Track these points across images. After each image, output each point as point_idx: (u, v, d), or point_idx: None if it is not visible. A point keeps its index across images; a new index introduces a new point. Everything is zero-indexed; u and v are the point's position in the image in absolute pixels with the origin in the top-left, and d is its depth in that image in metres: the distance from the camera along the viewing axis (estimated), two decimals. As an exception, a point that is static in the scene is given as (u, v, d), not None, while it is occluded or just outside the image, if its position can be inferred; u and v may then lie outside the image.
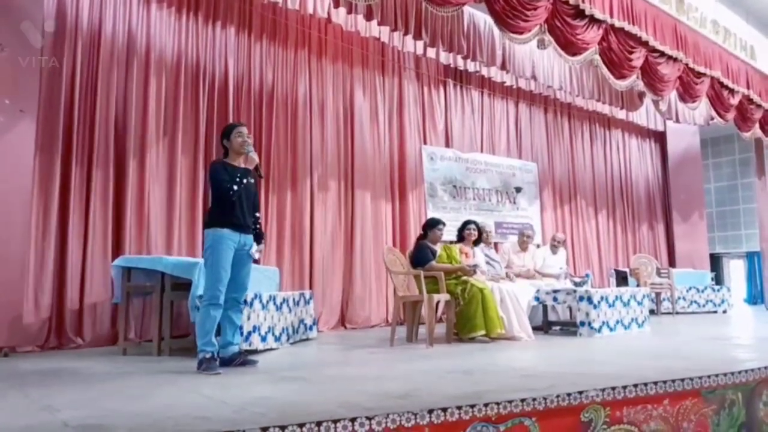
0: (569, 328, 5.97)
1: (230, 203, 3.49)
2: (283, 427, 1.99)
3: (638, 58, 6.79)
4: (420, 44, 7.14)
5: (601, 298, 5.67)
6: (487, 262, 6.20)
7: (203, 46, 6.04)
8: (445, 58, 7.77)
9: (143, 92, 5.56)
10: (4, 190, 4.38)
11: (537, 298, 5.94)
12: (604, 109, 9.69)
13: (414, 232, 7.52)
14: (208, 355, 3.34)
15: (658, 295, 9.06)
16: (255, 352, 4.22)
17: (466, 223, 5.89)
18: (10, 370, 3.55)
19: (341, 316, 6.73)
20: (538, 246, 7.70)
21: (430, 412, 2.26)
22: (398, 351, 4.46)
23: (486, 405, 2.36)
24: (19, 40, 4.58)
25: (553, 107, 9.77)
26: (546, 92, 9.08)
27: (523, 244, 6.77)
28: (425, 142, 7.95)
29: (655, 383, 2.79)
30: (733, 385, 3.07)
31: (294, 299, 5.07)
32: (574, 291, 5.68)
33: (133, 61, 5.52)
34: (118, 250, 5.18)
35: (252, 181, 3.67)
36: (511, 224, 8.84)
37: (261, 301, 4.35)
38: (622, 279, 8.58)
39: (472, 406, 2.34)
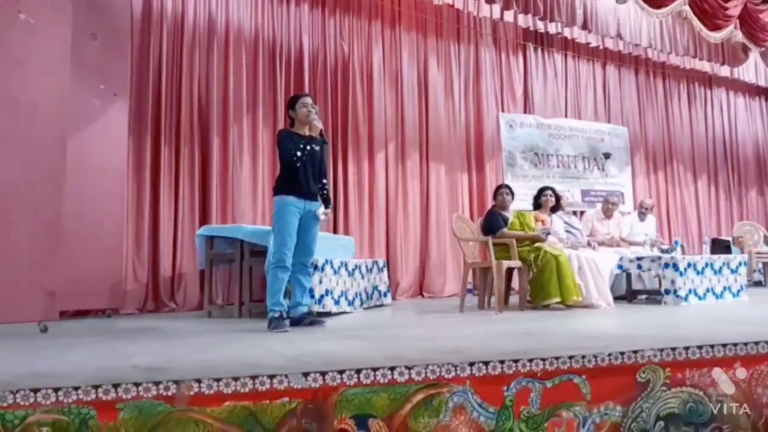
0: (655, 297, 5.69)
1: (294, 170, 3.63)
2: (323, 373, 2.10)
3: (735, 6, 6.23)
4: (496, 8, 6.95)
5: (689, 264, 5.35)
6: (567, 230, 6.01)
7: (279, 23, 6.25)
8: (523, 21, 7.51)
9: (224, 71, 5.86)
10: (101, 169, 4.81)
11: (620, 266, 5.70)
12: (704, 66, 8.98)
13: (491, 202, 7.43)
14: (276, 314, 3.54)
15: (766, 265, 8.39)
16: (328, 314, 4.40)
17: (542, 190, 5.74)
18: (106, 327, 3.94)
19: (419, 284, 6.81)
20: (629, 213, 7.34)
21: (471, 365, 2.28)
22: (466, 316, 4.48)
23: (531, 360, 2.35)
24: (110, 27, 4.97)
25: (645, 67, 9.17)
26: (636, 51, 8.55)
27: (608, 211, 6.49)
28: (503, 110, 7.77)
29: (724, 345, 2.64)
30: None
31: (367, 266, 5.21)
32: (659, 258, 5.40)
33: (213, 42, 5.82)
34: (205, 221, 5.54)
35: (317, 149, 3.79)
36: (600, 192, 8.47)
37: (332, 267, 4.52)
38: (724, 248, 8.05)
39: (516, 361, 2.33)
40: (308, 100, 3.79)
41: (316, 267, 4.31)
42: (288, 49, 6.27)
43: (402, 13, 7.05)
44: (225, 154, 5.74)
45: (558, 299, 4.82)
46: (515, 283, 5.49)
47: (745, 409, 2.66)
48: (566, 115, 8.34)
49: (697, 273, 5.45)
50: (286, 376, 2.08)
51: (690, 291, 5.32)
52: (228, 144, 5.75)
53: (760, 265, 8.34)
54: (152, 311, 5.26)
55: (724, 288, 5.65)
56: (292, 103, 3.82)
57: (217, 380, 2.02)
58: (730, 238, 8.53)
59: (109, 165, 4.89)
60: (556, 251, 4.94)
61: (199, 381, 2.01)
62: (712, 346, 2.62)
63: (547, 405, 2.37)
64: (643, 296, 5.95)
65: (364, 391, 2.17)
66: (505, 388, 2.32)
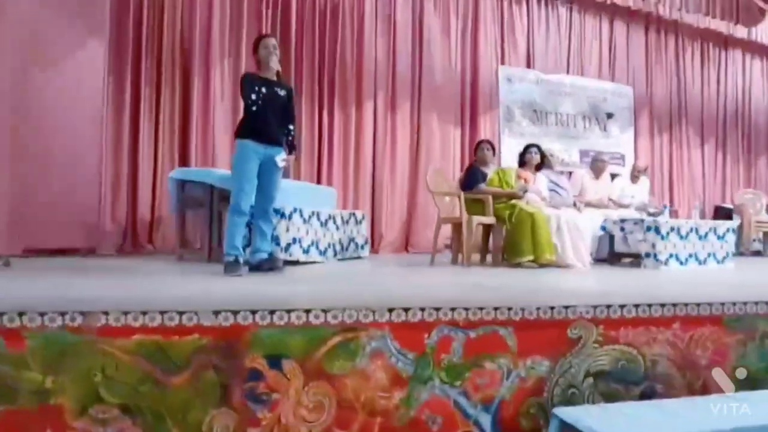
0: (637, 260, 5.60)
1: (253, 114, 3.57)
2: (235, 312, 2.09)
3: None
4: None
5: (671, 229, 5.24)
6: (553, 189, 5.90)
7: (267, -36, 6.07)
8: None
9: (207, 13, 5.74)
10: (76, 109, 4.78)
11: (603, 228, 5.61)
12: (719, 26, 8.61)
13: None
14: (231, 259, 3.53)
15: (766, 234, 8.21)
16: (296, 263, 4.41)
17: (527, 147, 5.61)
18: (75, 264, 3.97)
19: (405, 238, 6.78)
20: (619, 176, 7.18)
21: (391, 310, 2.26)
22: (435, 270, 4.46)
23: (453, 309, 2.32)
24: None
25: (656, 25, 8.81)
26: (646, 8, 8.21)
27: (597, 171, 6.35)
28: (503, 62, 7.55)
29: (662, 305, 2.58)
30: (763, 316, 2.77)
31: (343, 218, 5.17)
32: (642, 221, 5.29)
33: (196, -17, 5.69)
34: (185, 163, 5.53)
35: (282, 93, 3.70)
36: (600, 152, 8.28)
37: (302, 216, 4.49)
38: (725, 216, 7.89)
39: (437, 309, 2.30)
40: (270, 41, 3.69)
41: (283, 215, 4.29)
42: (275, -6, 6.11)
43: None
44: (206, 97, 5.68)
45: (531, 257, 4.76)
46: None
47: (681, 369, 2.63)
48: (568, 72, 8.09)
49: (681, 238, 5.34)
50: (196, 313, 2.08)
51: (671, 255, 5.22)
52: (210, 87, 5.68)
53: (760, 234, 8.15)
54: (130, 253, 5.31)
55: (709, 254, 5.54)
56: (255, 44, 3.72)
57: (125, 313, 2.02)
58: (732, 206, 8.35)
59: (85, 105, 4.86)
60: (532, 209, 4.85)
61: (106, 313, 2.01)
62: (649, 305, 2.56)
63: (470, 355, 2.34)
64: (628, 259, 5.86)
65: (278, 331, 2.16)
66: (426, 335, 2.30)
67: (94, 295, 2.42)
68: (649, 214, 5.82)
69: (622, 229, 5.47)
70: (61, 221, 4.64)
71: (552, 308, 2.43)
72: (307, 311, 2.17)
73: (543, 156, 5.61)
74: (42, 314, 1.95)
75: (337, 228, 5.05)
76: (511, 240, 4.84)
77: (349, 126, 6.46)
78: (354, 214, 5.44)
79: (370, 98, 6.58)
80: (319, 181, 6.18)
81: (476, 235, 5.04)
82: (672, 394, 2.59)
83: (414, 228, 6.78)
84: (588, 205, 6.09)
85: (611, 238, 5.69)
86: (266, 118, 3.62)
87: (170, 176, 4.84)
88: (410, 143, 6.87)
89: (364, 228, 5.57)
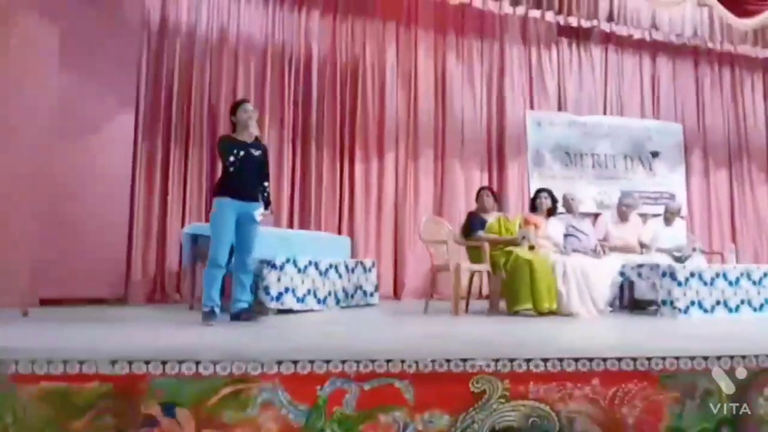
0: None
1: (229, 173, 3.85)
2: (130, 362, 2.29)
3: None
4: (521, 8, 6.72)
5: (692, 274, 4.93)
6: (572, 234, 5.73)
7: (289, 31, 6.52)
8: (553, 17, 7.21)
9: (233, 77, 6.23)
10: (106, 174, 5.30)
11: (622, 273, 5.36)
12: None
13: (514, 203, 7.23)
14: (207, 309, 3.76)
15: None
16: (290, 311, 4.59)
17: (537, 192, 5.54)
18: (82, 315, 4.36)
19: (431, 286, 6.77)
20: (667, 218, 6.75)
21: (279, 363, 2.36)
22: (425, 318, 4.48)
23: (343, 362, 2.38)
24: (121, 38, 5.45)
25: (707, 57, 8.41)
26: (693, 41, 7.88)
27: (623, 214, 6.09)
28: (531, 107, 7.52)
29: (576, 360, 2.49)
30: (704, 372, 2.58)
31: (347, 266, 5.31)
32: (658, 266, 5.02)
33: (224, 50, 6.23)
34: (209, 220, 5.92)
35: (257, 153, 3.97)
36: (646, 192, 7.93)
37: (296, 265, 4.69)
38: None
39: (327, 362, 2.38)
40: (248, 106, 3.99)
41: (274, 266, 4.51)
42: (297, 55, 6.52)
43: (419, 12, 7.04)
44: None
45: (528, 306, 4.65)
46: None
47: (603, 427, 2.51)
48: (605, 112, 7.88)
49: (704, 284, 5.00)
50: (95, 362, 2.29)
51: (692, 303, 4.89)
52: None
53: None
54: (159, 301, 5.73)
55: (742, 301, 5.13)
56: (233, 109, 4.04)
57: (33, 362, 2.27)
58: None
59: (116, 166, 5.40)
60: (530, 256, 4.76)
61: (16, 362, 2.27)
62: (561, 360, 2.48)
63: (363, 407, 2.39)
64: (652, 307, 5.53)
65: (173, 381, 2.33)
66: (319, 387, 2.38)
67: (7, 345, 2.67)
68: (675, 259, 5.50)
69: (639, 275, 5.21)
70: (93, 273, 5.12)
71: (448, 361, 2.43)
72: (197, 362, 2.33)
73: (554, 200, 5.51)
74: (-38, 361, 2.24)
75: (340, 276, 5.19)
76: (509, 288, 4.76)
77: (370, 176, 6.66)
78: (362, 262, 5.57)
79: (392, 148, 6.77)
80: (340, 231, 6.39)
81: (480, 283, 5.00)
82: (595, 454, 2.48)
83: (439, 275, 6.76)
84: (614, 249, 5.85)
85: (631, 284, 5.42)
86: (242, 178, 3.88)
87: (184, 231, 5.22)
88: (434, 191, 6.95)
89: (374, 276, 5.66)
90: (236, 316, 3.92)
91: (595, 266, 5.14)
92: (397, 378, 2.41)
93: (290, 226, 6.24)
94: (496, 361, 2.44)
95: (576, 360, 2.49)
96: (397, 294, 6.56)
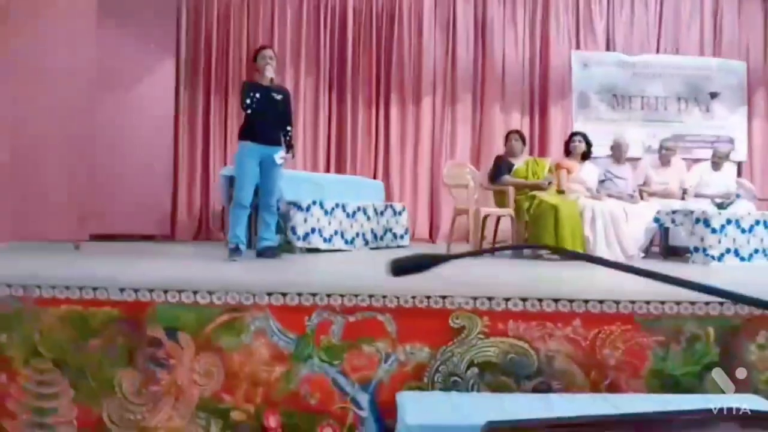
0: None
1: (250, 117, 4.01)
2: (136, 290, 2.53)
3: None
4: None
5: (728, 221, 4.75)
6: (609, 179, 5.60)
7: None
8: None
9: (270, 26, 6.33)
10: (148, 122, 5.62)
11: (657, 219, 5.23)
12: None
13: (557, 147, 7.07)
14: (232, 246, 4.01)
15: None
16: (317, 250, 4.81)
17: (571, 135, 5.42)
18: (136, 249, 4.73)
19: (452, 230, 6.84)
20: (700, 162, 6.49)
21: (270, 294, 2.55)
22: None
23: (329, 295, 2.54)
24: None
25: (779, -11, 7.75)
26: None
27: (663, 158, 5.87)
28: (577, 47, 7.22)
29: (556, 300, 2.54)
30: (691, 317, 2.58)
31: (376, 209, 5.44)
32: (691, 212, 4.86)
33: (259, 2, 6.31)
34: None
35: (278, 97, 4.10)
36: (700, 136, 7.55)
37: (322, 207, 4.87)
38: None
39: (314, 295, 2.54)
40: (267, 52, 4.10)
41: (300, 207, 4.70)
42: (333, 2, 6.51)
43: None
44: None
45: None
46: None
47: (584, 368, 2.57)
48: (658, 51, 7.46)
49: (743, 231, 4.81)
50: (106, 288, 2.56)
51: (727, 250, 4.73)
52: (271, 92, 6.28)
53: None
54: (205, 239, 6.10)
55: (783, 249, 4.91)
56: (255, 56, 4.16)
57: (53, 287, 2.56)
58: None
59: (158, 115, 5.69)
60: (555, 200, 4.72)
61: (39, 287, 2.56)
62: (540, 300, 2.54)
63: (348, 338, 2.56)
64: (688, 254, 5.39)
65: (175, 308, 2.56)
66: (307, 317, 2.56)
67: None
68: (717, 205, 5.29)
69: (674, 221, 5.07)
70: (140, 213, 5.51)
71: (428, 297, 2.54)
72: (195, 292, 2.55)
73: (588, 144, 5.38)
74: (-4, 285, 2.55)
75: (368, 218, 5.33)
76: (531, 232, 4.76)
77: (406, 122, 6.68)
78: (392, 205, 5.69)
79: (429, 93, 6.73)
80: (375, 176, 6.50)
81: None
82: (573, 392, 2.55)
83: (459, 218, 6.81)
84: (653, 195, 5.69)
85: (666, 230, 5.28)
86: (262, 121, 4.03)
87: (220, 173, 5.48)
88: (472, 137, 6.90)
89: (404, 219, 5.77)
90: (261, 253, 4.16)
91: (627, 212, 5.04)
92: (379, 312, 2.55)
93: (327, 170, 6.41)
94: (475, 299, 2.53)
95: (556, 301, 2.54)
96: (432, 237, 6.67)
